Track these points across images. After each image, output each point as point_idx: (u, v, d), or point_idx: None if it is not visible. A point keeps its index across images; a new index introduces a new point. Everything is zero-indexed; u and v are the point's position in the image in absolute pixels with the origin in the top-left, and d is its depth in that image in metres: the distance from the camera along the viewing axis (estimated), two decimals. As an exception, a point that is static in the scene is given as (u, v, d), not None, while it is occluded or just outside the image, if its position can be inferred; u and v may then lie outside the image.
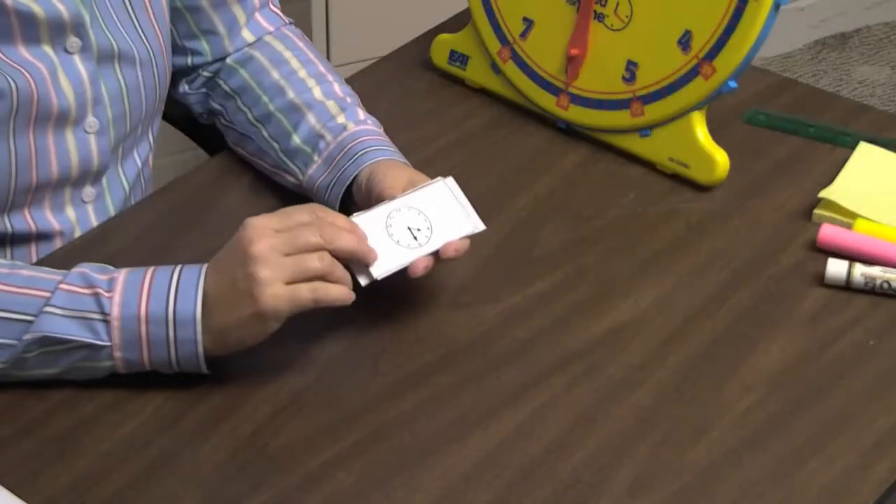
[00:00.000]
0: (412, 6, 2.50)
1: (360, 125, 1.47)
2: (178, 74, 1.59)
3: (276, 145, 1.50)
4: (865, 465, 1.22)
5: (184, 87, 1.60)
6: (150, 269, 1.26)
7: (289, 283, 1.23)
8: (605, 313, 1.38)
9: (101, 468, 1.21)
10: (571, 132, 1.63)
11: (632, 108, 1.56)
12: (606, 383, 1.30)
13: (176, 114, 1.70)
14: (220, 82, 1.56)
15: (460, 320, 1.37)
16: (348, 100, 1.50)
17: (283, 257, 1.23)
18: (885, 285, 1.39)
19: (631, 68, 1.55)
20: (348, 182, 1.42)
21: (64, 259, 1.41)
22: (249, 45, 1.57)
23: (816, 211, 1.50)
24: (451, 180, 1.36)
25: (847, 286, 1.40)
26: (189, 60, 1.57)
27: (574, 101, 1.60)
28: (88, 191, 1.48)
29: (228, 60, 1.56)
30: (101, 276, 1.25)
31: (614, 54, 1.56)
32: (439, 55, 1.72)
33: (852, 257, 1.42)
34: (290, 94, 1.50)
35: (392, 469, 1.22)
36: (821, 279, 1.41)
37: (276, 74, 1.53)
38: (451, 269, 1.41)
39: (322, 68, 1.54)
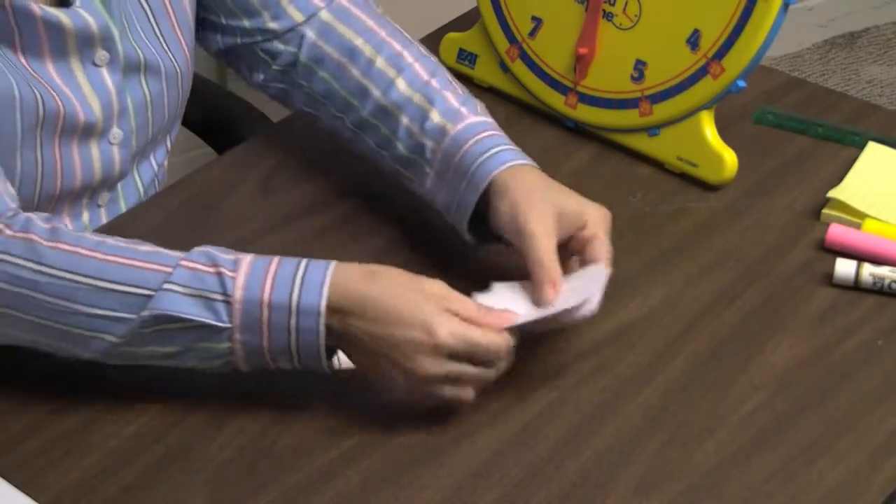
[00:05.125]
0: (420, 4, 2.50)
1: (458, 123, 1.40)
2: (236, 57, 1.54)
3: (384, 153, 1.46)
4: (873, 464, 1.22)
5: (257, 77, 1.54)
6: (276, 258, 1.23)
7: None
8: (612, 312, 1.37)
9: (108, 465, 1.21)
10: (580, 131, 1.63)
11: (640, 107, 1.56)
12: (614, 382, 1.30)
13: (185, 112, 1.69)
14: (303, 83, 1.51)
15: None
16: (433, 83, 1.44)
17: (444, 367, 1.21)
18: (894, 285, 1.39)
19: (639, 67, 1.55)
20: (471, 208, 1.37)
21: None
22: (302, 23, 1.51)
23: (825, 210, 1.50)
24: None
25: (855, 286, 1.40)
26: (238, 40, 1.52)
27: (582, 101, 1.60)
28: (105, 195, 1.48)
29: (302, 58, 1.50)
30: (226, 256, 1.23)
31: (623, 53, 1.56)
32: (447, 54, 1.72)
33: (861, 257, 1.42)
34: (376, 94, 1.45)
35: (400, 467, 1.22)
36: (829, 279, 1.41)
37: (355, 71, 1.47)
38: (458, 268, 1.41)
39: (397, 45, 1.47)
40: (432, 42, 1.75)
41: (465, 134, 1.39)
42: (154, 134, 1.49)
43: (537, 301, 1.29)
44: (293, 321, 1.21)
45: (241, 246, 1.44)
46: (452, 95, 1.43)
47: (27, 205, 1.39)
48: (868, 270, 1.40)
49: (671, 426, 1.26)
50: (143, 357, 1.24)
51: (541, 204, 1.32)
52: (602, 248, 1.32)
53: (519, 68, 1.65)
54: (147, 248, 1.24)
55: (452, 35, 1.72)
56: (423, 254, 1.44)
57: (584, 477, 1.21)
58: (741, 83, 1.50)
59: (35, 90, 1.34)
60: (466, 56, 1.70)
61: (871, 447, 1.24)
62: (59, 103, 1.36)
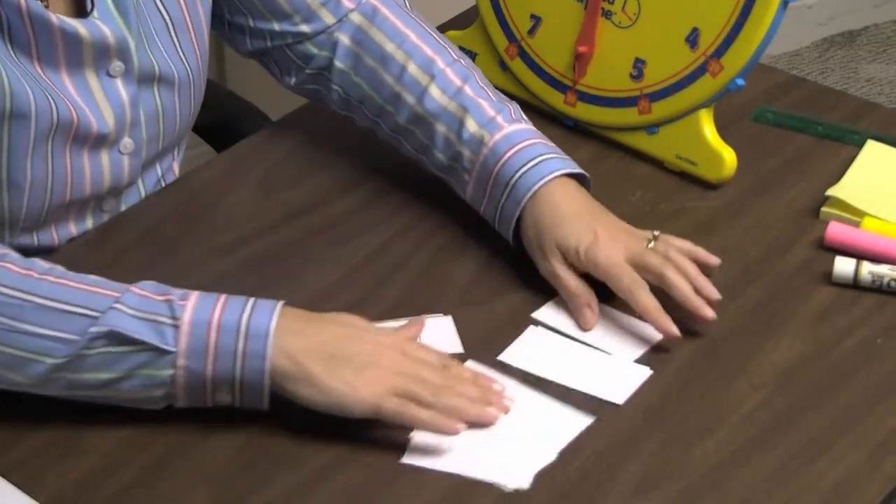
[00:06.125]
0: (420, 3, 2.49)
1: (496, 133, 1.41)
2: (266, 59, 1.54)
3: (424, 158, 1.46)
4: (873, 463, 1.22)
5: (289, 79, 1.54)
6: (224, 294, 1.23)
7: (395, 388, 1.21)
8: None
9: (107, 464, 1.21)
10: (579, 130, 1.62)
11: (639, 105, 1.56)
12: (614, 381, 1.30)
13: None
14: (337, 87, 1.51)
15: (468, 317, 1.36)
16: (466, 89, 1.44)
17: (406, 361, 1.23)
18: (893, 283, 1.39)
19: (639, 66, 1.55)
20: (514, 219, 1.38)
21: (72, 254, 1.41)
22: (333, 26, 1.50)
23: (824, 209, 1.50)
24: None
25: (854, 284, 1.40)
26: (268, 42, 1.52)
27: (582, 99, 1.60)
28: (111, 202, 1.48)
29: (337, 64, 1.50)
30: (175, 289, 1.23)
31: (622, 52, 1.56)
32: (447, 52, 1.72)
33: (860, 255, 1.42)
34: (411, 101, 1.45)
35: (399, 466, 1.21)
36: (828, 277, 1.41)
37: (389, 79, 1.47)
38: (459, 267, 1.41)
39: (428, 50, 1.47)
40: (431, 41, 1.75)
41: (503, 144, 1.40)
42: (165, 144, 1.49)
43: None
44: (241, 344, 1.20)
45: (240, 245, 1.44)
46: (486, 103, 1.44)
47: (37, 213, 1.39)
48: (867, 269, 1.39)
49: (671, 425, 1.26)
50: (78, 385, 1.21)
51: (591, 244, 1.36)
52: (675, 289, 1.33)
53: (518, 67, 1.65)
54: (96, 277, 1.24)
55: (451, 33, 1.72)
56: (423, 250, 1.44)
57: (584, 477, 1.21)
58: (740, 81, 1.50)
59: (50, 99, 1.34)
60: (465, 54, 1.70)
61: (870, 446, 1.24)
62: (73, 113, 1.36)
